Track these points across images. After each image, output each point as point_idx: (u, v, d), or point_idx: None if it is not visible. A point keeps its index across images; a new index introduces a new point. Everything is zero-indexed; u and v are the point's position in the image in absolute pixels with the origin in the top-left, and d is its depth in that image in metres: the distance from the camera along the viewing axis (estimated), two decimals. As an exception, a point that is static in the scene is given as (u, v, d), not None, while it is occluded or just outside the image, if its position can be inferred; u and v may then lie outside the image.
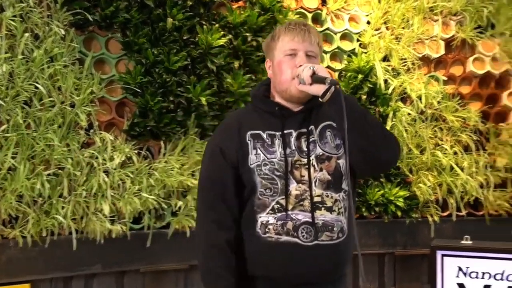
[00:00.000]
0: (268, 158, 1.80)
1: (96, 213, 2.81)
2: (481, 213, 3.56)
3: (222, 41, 3.01)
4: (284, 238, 1.76)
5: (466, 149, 3.52)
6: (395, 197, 3.35)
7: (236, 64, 3.09)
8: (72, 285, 2.92)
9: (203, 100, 2.96)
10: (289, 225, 1.76)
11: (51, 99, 2.71)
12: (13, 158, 2.61)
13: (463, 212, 3.51)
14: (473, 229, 3.45)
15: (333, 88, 1.72)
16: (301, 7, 3.31)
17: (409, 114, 3.39)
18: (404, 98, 3.44)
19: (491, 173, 3.51)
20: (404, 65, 3.42)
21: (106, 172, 2.83)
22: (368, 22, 3.42)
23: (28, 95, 2.66)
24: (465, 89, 3.60)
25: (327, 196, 1.79)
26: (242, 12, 3.11)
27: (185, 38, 2.98)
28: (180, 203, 2.97)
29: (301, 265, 1.77)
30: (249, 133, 1.84)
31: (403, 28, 3.42)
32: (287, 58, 1.84)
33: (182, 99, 2.97)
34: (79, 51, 2.84)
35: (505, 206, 3.55)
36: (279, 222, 1.77)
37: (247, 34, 3.09)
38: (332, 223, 1.78)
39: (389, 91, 3.35)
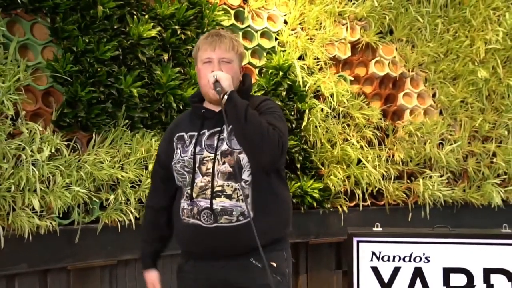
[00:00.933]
0: (181, 157, 2.15)
1: (24, 208, 2.64)
2: (382, 202, 3.89)
3: (153, 33, 2.99)
4: (192, 220, 2.12)
5: (370, 144, 3.83)
6: (311, 189, 3.54)
7: (165, 56, 3.08)
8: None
9: (135, 91, 2.91)
10: (195, 210, 2.10)
11: (-26, 85, 2.51)
12: None
13: (368, 202, 3.82)
14: (376, 218, 3.76)
15: (226, 97, 2.01)
16: (225, 3, 3.38)
17: (322, 110, 3.60)
18: (318, 95, 3.66)
19: (390, 166, 3.86)
20: (318, 65, 3.64)
21: (33, 164, 2.67)
22: (285, 22, 3.59)
23: None
24: (368, 89, 3.92)
25: (228, 186, 2.08)
26: (170, 4, 3.11)
27: (115, 27, 2.91)
28: (111, 197, 2.89)
29: (204, 243, 2.11)
30: (176, 135, 2.21)
31: (316, 29, 3.64)
32: (205, 66, 2.13)
33: (113, 89, 2.89)
34: (2, 35, 2.65)
35: (402, 196, 3.91)
36: (189, 207, 2.12)
37: (176, 27, 3.09)
38: (231, 208, 2.07)
39: (306, 88, 3.54)
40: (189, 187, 2.11)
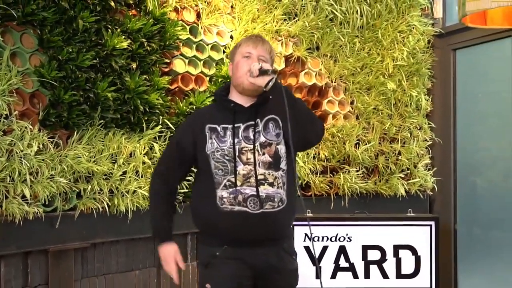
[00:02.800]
0: (220, 146, 2.37)
1: (15, 196, 3.00)
2: (309, 193, 4.53)
3: (125, 44, 3.43)
4: (237, 208, 2.33)
5: (300, 143, 4.47)
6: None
7: (134, 65, 3.53)
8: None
9: (110, 95, 3.34)
10: (240, 197, 2.32)
11: (-25, 88, 2.85)
12: None
13: (298, 193, 4.44)
14: (305, 206, 4.40)
15: (274, 80, 2.30)
16: (182, 20, 3.87)
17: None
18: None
19: (316, 162, 4.52)
20: (258, 75, 4.22)
21: (23, 158, 3.03)
22: (231, 37, 4.14)
23: (-47, 83, 2.76)
24: (298, 96, 4.56)
25: (269, 174, 2.36)
26: (138, 20, 3.56)
27: (93, 39, 3.33)
28: (89, 187, 3.30)
29: (251, 228, 2.35)
30: (207, 126, 2.42)
31: (257, 44, 4.22)
32: (244, 59, 2.42)
33: (90, 93, 3.31)
34: (-3, 44, 3.00)
35: (325, 188, 4.58)
36: (231, 196, 2.33)
37: (143, 40, 3.55)
38: (273, 195, 2.36)
39: (249, 95, 4.11)
40: (232, 175, 2.31)
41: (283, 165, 2.39)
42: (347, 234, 4.00)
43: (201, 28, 3.98)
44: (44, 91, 3.19)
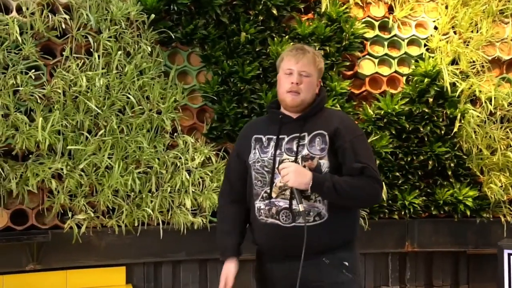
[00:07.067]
0: (261, 157, 2.28)
1: (180, 206, 3.19)
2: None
3: (290, 51, 3.29)
4: (270, 220, 2.23)
5: (546, 150, 3.51)
6: (464, 197, 3.43)
7: (305, 72, 3.35)
8: (162, 270, 3.34)
9: (274, 105, 3.25)
10: (273, 210, 2.21)
11: (140, 107, 3.14)
12: (109, 158, 3.05)
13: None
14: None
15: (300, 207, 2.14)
16: (368, 16, 3.50)
17: (478, 116, 3.45)
18: (474, 100, 3.51)
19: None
20: (473, 68, 3.49)
21: (188, 171, 3.20)
22: (436, 28, 3.54)
23: (121, 104, 3.10)
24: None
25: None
26: (310, 23, 3.37)
27: (257, 50, 3.30)
28: (254, 199, 3.28)
29: (282, 241, 2.21)
30: (254, 136, 2.35)
31: (471, 31, 3.50)
32: (285, 76, 2.28)
33: (255, 105, 3.28)
34: (164, 65, 3.25)
35: None
36: (267, 207, 2.23)
37: (315, 44, 3.34)
38: (308, 209, 2.17)
39: (457, 94, 3.44)
40: (269, 187, 2.23)
41: None
42: None
43: (394, 22, 3.52)
44: (211, 105, 3.31)
